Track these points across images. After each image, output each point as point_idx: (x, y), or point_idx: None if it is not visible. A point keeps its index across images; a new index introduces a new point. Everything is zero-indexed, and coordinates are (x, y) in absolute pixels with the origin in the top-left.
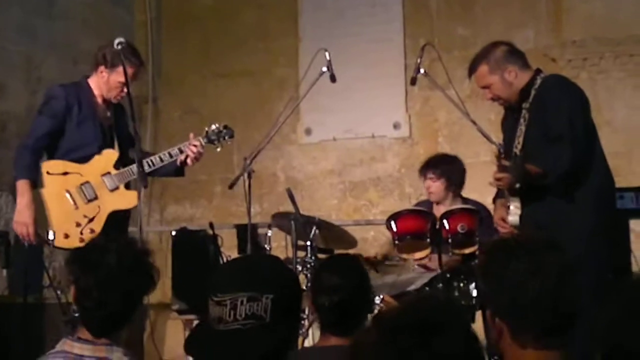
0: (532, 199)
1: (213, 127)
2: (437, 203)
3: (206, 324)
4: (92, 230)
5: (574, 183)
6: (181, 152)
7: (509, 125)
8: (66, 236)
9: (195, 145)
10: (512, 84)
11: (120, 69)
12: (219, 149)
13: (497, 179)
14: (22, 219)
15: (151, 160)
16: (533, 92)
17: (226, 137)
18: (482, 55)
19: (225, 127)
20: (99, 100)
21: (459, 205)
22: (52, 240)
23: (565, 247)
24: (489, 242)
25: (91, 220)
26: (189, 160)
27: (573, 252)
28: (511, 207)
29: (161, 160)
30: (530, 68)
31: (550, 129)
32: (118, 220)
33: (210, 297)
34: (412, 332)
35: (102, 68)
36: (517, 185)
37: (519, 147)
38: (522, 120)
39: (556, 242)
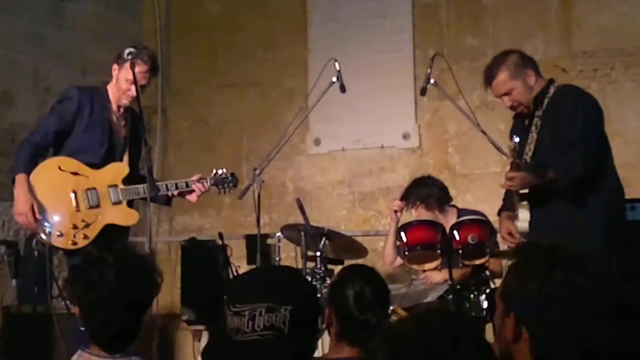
0: (543, 205)
1: (220, 172)
2: None
3: (223, 334)
4: (85, 236)
5: (586, 191)
6: (187, 186)
7: (517, 133)
8: (60, 235)
9: (203, 185)
10: (533, 88)
11: (128, 63)
12: (219, 194)
13: (509, 178)
14: (18, 209)
15: (166, 185)
16: (546, 101)
17: (230, 185)
18: (498, 62)
19: (232, 174)
20: (114, 107)
21: (455, 216)
22: (49, 234)
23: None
24: (528, 242)
25: (87, 226)
26: (191, 197)
27: None
28: (520, 214)
29: (176, 187)
30: (542, 76)
31: (564, 137)
32: (115, 235)
33: (228, 307)
34: (418, 356)
35: (115, 66)
36: (526, 190)
37: (530, 154)
38: (533, 127)
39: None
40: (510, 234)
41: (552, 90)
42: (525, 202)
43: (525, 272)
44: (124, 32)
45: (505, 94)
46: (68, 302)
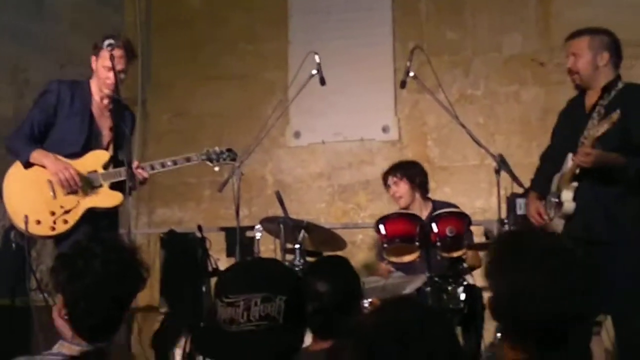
0: (592, 188)
1: (216, 148)
2: (407, 207)
3: (213, 325)
4: (65, 221)
5: None
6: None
7: (572, 116)
8: (38, 222)
9: (144, 170)
10: (598, 68)
11: (103, 52)
12: (216, 168)
13: (586, 154)
14: (60, 165)
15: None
16: (613, 93)
17: (227, 159)
18: (591, 30)
19: (229, 150)
20: (97, 98)
21: (430, 208)
22: (25, 223)
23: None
24: (499, 236)
25: (67, 212)
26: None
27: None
28: (565, 194)
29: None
30: (618, 70)
31: (635, 134)
32: (101, 219)
33: (220, 298)
34: (389, 346)
35: (93, 58)
36: (577, 171)
37: (590, 139)
38: (595, 114)
39: (569, 247)
40: (539, 214)
41: (620, 84)
42: (575, 184)
43: (495, 267)
44: (105, 24)
45: (573, 54)
46: (47, 295)
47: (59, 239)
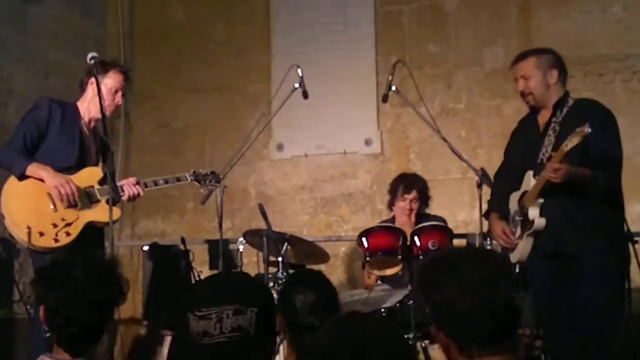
0: (559, 203)
1: (201, 170)
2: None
3: (186, 338)
4: (68, 234)
5: (612, 194)
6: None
7: (526, 136)
8: (41, 234)
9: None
10: (550, 86)
11: (111, 73)
12: (202, 190)
13: (556, 169)
14: (61, 179)
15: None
16: (565, 109)
17: (212, 181)
18: (535, 50)
19: (213, 172)
20: (86, 120)
21: (423, 221)
22: (28, 234)
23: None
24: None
25: (69, 224)
26: (125, 198)
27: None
28: (532, 211)
29: (155, 183)
30: (565, 86)
31: (595, 147)
32: (92, 234)
33: (192, 312)
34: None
35: (91, 80)
36: (540, 188)
37: (547, 155)
38: (551, 132)
39: (483, 251)
40: (505, 234)
41: (570, 101)
42: (541, 200)
43: (424, 288)
44: (87, 35)
45: (523, 77)
46: (29, 307)
47: (34, 253)
